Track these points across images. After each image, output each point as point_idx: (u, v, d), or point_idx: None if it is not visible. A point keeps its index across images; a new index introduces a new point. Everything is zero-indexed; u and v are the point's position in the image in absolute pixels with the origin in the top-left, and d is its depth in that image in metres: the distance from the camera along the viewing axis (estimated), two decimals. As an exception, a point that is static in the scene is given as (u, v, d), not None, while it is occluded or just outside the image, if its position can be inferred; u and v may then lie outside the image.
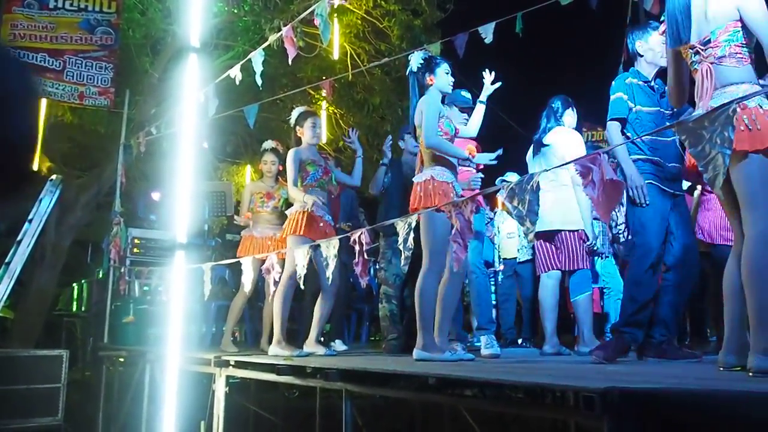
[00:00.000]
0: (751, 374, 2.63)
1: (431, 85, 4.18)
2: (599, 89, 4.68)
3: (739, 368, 2.78)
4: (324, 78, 8.64)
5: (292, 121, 5.10)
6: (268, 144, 5.94)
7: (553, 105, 5.16)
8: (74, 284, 10.18)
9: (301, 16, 5.46)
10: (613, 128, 3.99)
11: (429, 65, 4.22)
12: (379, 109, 10.75)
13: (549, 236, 5.01)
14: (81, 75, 7.69)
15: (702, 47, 2.90)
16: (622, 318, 3.86)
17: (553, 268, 5.02)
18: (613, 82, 4.12)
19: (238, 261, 5.11)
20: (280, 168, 5.82)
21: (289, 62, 5.37)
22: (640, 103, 3.99)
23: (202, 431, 4.57)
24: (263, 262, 4.87)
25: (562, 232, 4.95)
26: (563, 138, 4.99)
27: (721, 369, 2.91)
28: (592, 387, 1.79)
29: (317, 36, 5.53)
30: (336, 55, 8.32)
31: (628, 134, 3.95)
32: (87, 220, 8.88)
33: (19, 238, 6.16)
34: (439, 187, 3.94)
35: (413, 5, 10.14)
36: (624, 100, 3.99)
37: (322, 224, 4.81)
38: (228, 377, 4.45)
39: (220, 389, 4.39)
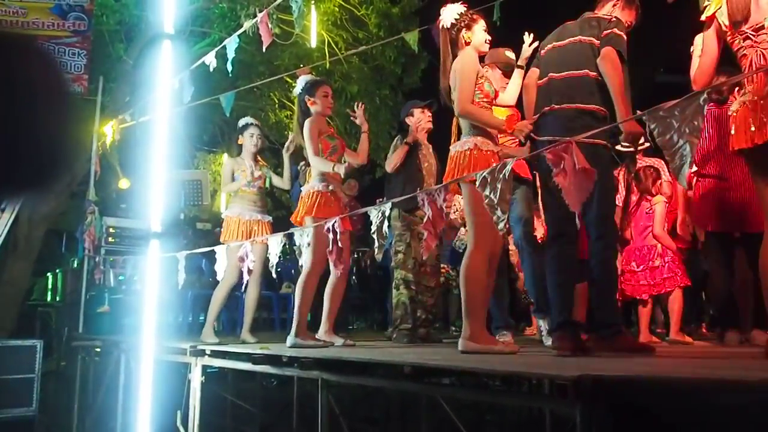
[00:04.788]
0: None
1: (468, 43, 3.74)
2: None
3: None
4: (301, 66, 8.59)
5: (298, 89, 4.82)
6: (250, 119, 5.83)
7: None
8: (49, 274, 10.07)
9: (277, 2, 5.41)
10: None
11: (465, 21, 3.73)
12: (356, 98, 10.70)
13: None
14: (54, 62, 7.56)
15: (754, 33, 2.89)
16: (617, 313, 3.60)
17: None
18: None
19: (212, 250, 5.05)
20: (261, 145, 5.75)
21: (263, 49, 5.29)
22: None
23: (178, 421, 4.54)
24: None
25: None
26: None
27: None
28: (566, 375, 1.80)
29: (294, 23, 5.48)
30: (313, 43, 8.25)
31: None
32: (61, 209, 8.76)
33: (-9, 227, 6.08)
34: (482, 157, 3.52)
35: (391, -7, 10.13)
36: None
37: (339, 200, 4.59)
38: (204, 367, 4.43)
39: (196, 379, 4.37)
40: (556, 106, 3.55)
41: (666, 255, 4.95)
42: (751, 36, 2.89)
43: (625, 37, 3.52)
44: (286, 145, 5.59)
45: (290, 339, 4.30)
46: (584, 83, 3.50)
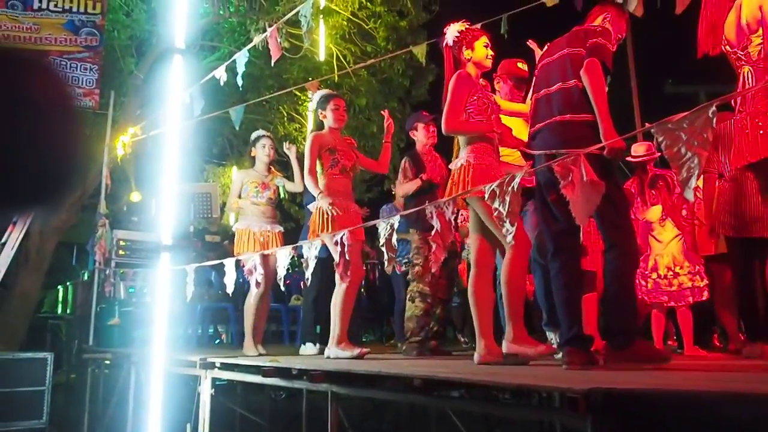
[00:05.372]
0: None
1: (469, 59, 3.79)
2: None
3: None
4: (310, 79, 8.64)
5: (313, 105, 4.86)
6: (262, 131, 5.86)
7: None
8: (59, 286, 10.12)
9: (286, 17, 5.45)
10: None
11: (466, 38, 3.81)
12: (365, 111, 10.75)
13: None
14: (66, 76, 7.63)
15: (741, 52, 2.93)
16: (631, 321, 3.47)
17: None
18: None
19: (221, 263, 5.06)
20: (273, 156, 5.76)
21: (272, 63, 5.32)
22: None
23: (188, 434, 4.55)
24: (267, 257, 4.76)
25: None
26: None
27: None
28: (576, 388, 1.80)
29: (303, 37, 5.53)
30: (322, 57, 8.30)
31: None
32: (72, 222, 8.81)
33: (2, 240, 6.10)
34: (479, 170, 3.55)
35: (399, 6, 10.15)
36: None
37: (349, 211, 4.55)
38: (214, 379, 4.43)
39: (205, 391, 4.37)
40: (551, 120, 3.52)
41: (695, 265, 4.94)
42: (741, 56, 2.93)
43: (611, 48, 3.46)
44: (286, 146, 5.63)
45: (331, 350, 4.34)
46: (575, 93, 3.46)
